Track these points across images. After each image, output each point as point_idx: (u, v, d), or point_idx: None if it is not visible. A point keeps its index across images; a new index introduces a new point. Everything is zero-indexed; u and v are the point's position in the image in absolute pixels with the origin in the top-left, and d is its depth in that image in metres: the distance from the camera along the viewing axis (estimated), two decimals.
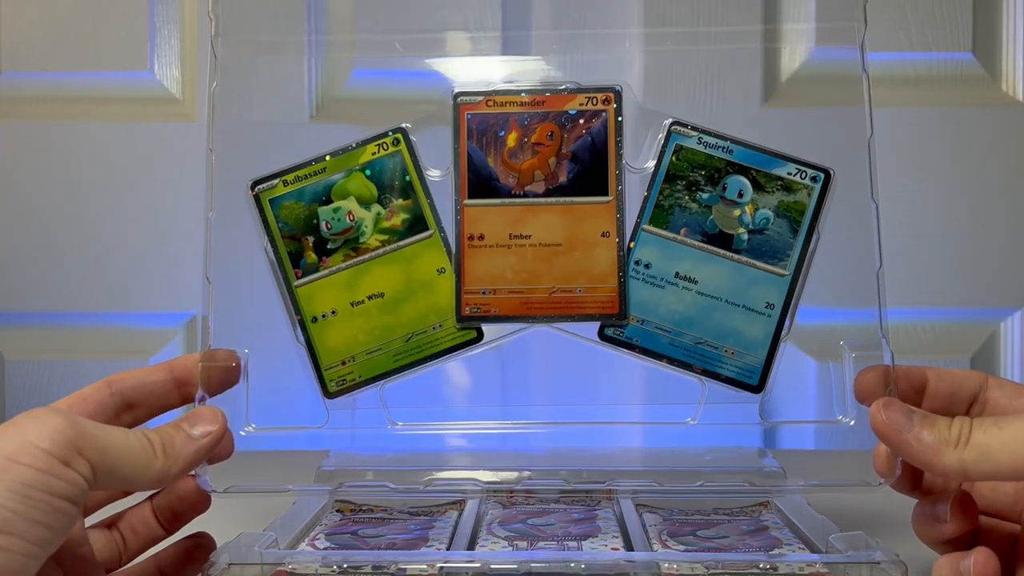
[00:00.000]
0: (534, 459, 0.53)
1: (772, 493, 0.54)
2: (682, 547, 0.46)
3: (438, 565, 0.41)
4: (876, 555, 0.41)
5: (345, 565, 0.42)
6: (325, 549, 0.46)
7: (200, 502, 0.45)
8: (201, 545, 0.45)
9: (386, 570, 0.41)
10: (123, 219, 0.81)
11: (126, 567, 0.44)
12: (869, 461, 0.44)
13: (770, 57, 0.62)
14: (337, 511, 0.54)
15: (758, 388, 0.49)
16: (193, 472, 0.43)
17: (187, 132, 0.80)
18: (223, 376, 0.46)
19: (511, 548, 0.46)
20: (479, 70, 0.50)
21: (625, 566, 0.41)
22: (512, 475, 0.51)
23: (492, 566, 0.42)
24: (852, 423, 0.49)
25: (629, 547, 0.46)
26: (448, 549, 0.46)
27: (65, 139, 0.81)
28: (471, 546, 0.47)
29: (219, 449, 0.42)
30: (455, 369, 0.51)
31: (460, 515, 0.52)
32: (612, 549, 0.46)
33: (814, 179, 0.48)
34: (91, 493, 0.35)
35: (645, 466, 0.53)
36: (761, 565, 0.41)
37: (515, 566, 0.41)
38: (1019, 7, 0.78)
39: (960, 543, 0.41)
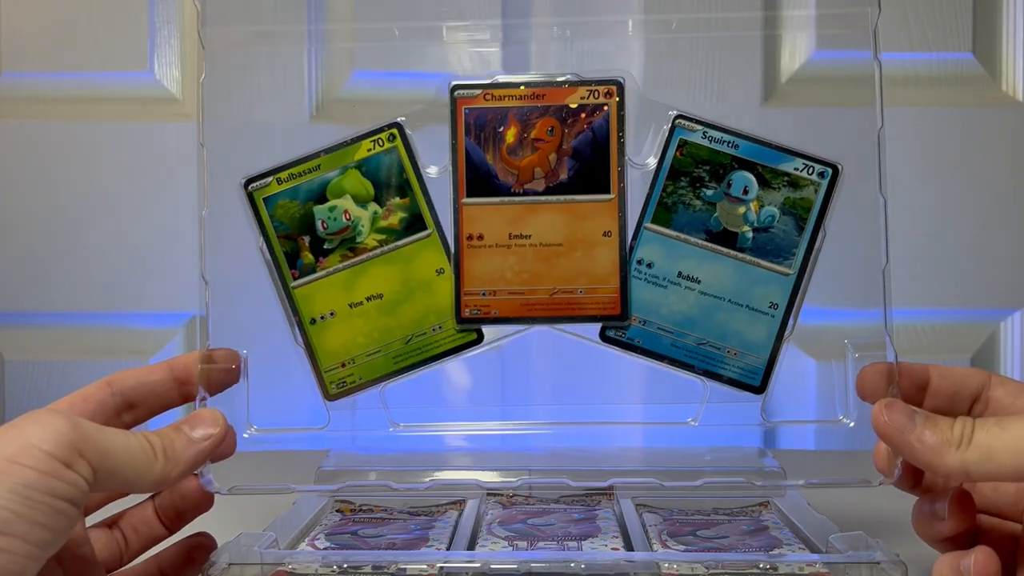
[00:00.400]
0: (535, 459, 0.53)
1: (772, 493, 0.54)
2: (682, 547, 0.46)
3: (438, 565, 0.41)
4: (876, 555, 0.41)
5: (345, 565, 0.42)
6: (325, 549, 0.46)
7: (203, 501, 0.45)
8: (202, 545, 0.45)
9: (386, 570, 0.41)
10: (123, 219, 0.81)
11: (127, 567, 0.44)
12: (869, 460, 0.44)
13: (775, 47, 0.62)
14: (337, 511, 0.54)
15: (760, 389, 0.49)
16: (196, 471, 0.43)
17: (187, 132, 0.80)
18: (223, 376, 0.46)
19: (511, 548, 0.46)
20: (478, 62, 0.50)
21: (625, 566, 0.41)
22: (513, 475, 0.51)
23: (492, 566, 0.42)
24: (852, 424, 0.49)
25: (629, 547, 0.46)
26: (448, 549, 0.46)
27: (65, 139, 0.81)
28: (471, 546, 0.47)
29: (221, 448, 0.42)
30: (456, 370, 0.51)
31: (460, 515, 0.52)
32: (612, 549, 0.46)
33: (821, 175, 0.48)
34: (91, 494, 0.35)
35: (645, 466, 0.53)
36: (761, 565, 0.41)
37: (515, 566, 0.41)
38: (1019, 7, 0.78)
39: (959, 541, 0.41)
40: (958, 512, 0.41)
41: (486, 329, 0.49)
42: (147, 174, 0.80)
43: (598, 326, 0.49)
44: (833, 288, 0.49)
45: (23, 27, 0.80)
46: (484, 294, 0.49)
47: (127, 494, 0.46)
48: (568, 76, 0.48)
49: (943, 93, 0.78)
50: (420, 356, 0.49)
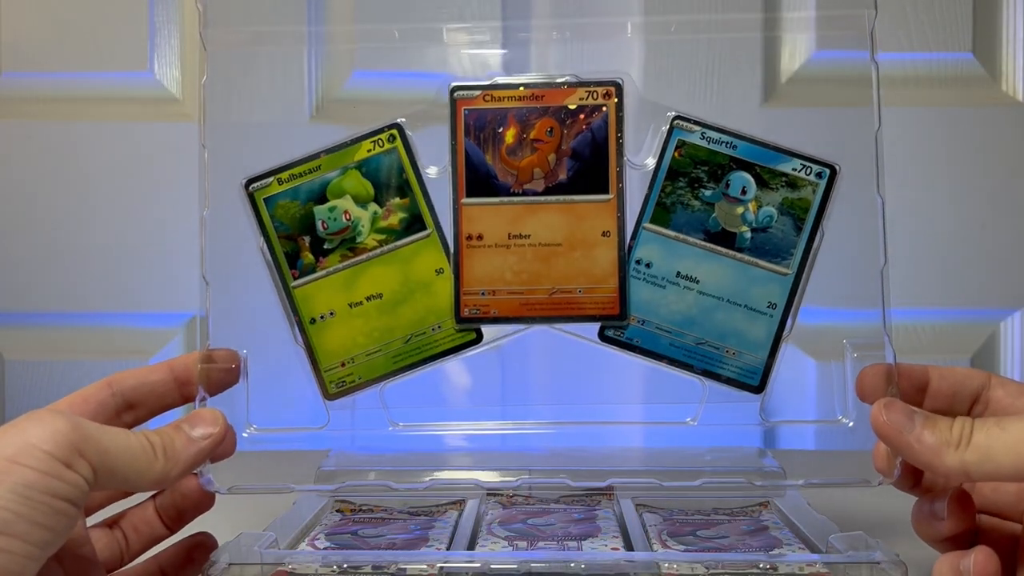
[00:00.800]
0: (534, 459, 0.53)
1: (772, 493, 0.54)
2: (682, 547, 0.46)
3: (438, 565, 0.41)
4: (876, 555, 0.42)
5: (345, 565, 0.42)
6: (325, 549, 0.46)
7: (203, 501, 0.45)
8: (202, 545, 0.45)
9: (386, 570, 0.41)
10: (123, 219, 0.81)
11: (127, 567, 0.44)
12: (869, 460, 0.44)
13: (774, 48, 0.62)
14: (337, 511, 0.54)
15: (759, 389, 0.49)
16: (196, 471, 0.43)
17: (187, 132, 0.80)
18: (223, 376, 0.46)
19: (511, 548, 0.46)
20: (478, 63, 0.50)
21: (625, 566, 0.41)
22: (513, 475, 0.51)
23: (492, 566, 0.42)
24: (851, 424, 0.49)
25: (629, 547, 0.46)
26: (448, 549, 0.46)
27: (65, 139, 0.81)
28: (471, 546, 0.47)
29: (221, 448, 0.42)
30: (455, 369, 0.51)
31: (460, 515, 0.52)
32: (612, 549, 0.46)
33: (819, 175, 0.48)
34: (92, 493, 0.35)
35: (645, 466, 0.53)
36: (761, 565, 0.41)
37: (515, 566, 0.41)
38: (1019, 7, 0.78)
39: (959, 541, 0.41)
40: (958, 512, 0.41)
41: (485, 329, 0.49)
42: (147, 174, 0.80)
43: (597, 326, 0.49)
44: (832, 288, 0.49)
45: (23, 27, 0.80)
46: (483, 294, 0.49)
47: (128, 494, 0.46)
48: (567, 77, 0.48)
49: (943, 93, 0.78)
50: (420, 356, 0.49)
